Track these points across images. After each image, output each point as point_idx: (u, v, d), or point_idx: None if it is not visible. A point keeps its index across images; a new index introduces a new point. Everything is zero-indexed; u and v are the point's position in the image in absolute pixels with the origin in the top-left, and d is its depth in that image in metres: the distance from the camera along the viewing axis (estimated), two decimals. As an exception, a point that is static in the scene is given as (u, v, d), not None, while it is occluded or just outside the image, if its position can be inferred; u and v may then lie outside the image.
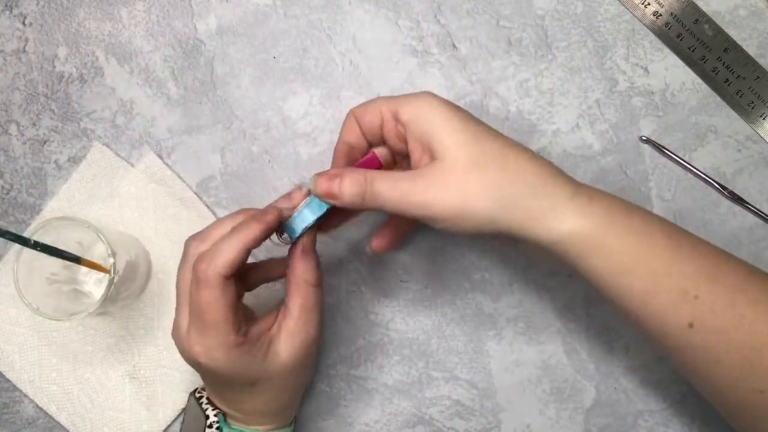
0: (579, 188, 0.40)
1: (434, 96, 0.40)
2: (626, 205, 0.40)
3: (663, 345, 0.41)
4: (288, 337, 0.43)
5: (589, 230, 0.38)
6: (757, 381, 0.38)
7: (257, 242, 0.41)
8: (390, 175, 0.40)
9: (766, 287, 0.39)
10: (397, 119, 0.42)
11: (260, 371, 0.43)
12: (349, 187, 0.40)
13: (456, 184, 0.38)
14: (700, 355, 0.40)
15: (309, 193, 0.43)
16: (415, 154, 0.41)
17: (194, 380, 0.52)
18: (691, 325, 0.38)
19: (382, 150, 0.44)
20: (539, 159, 0.40)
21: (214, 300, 0.40)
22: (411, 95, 0.41)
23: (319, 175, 0.41)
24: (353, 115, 0.44)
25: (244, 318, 0.42)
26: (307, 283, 0.43)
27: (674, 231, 0.40)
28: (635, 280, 0.39)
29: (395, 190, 0.39)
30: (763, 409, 0.39)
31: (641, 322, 0.40)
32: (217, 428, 0.45)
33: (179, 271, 0.43)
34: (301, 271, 0.43)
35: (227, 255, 0.40)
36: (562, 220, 0.38)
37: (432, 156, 0.39)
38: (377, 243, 0.47)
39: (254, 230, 0.41)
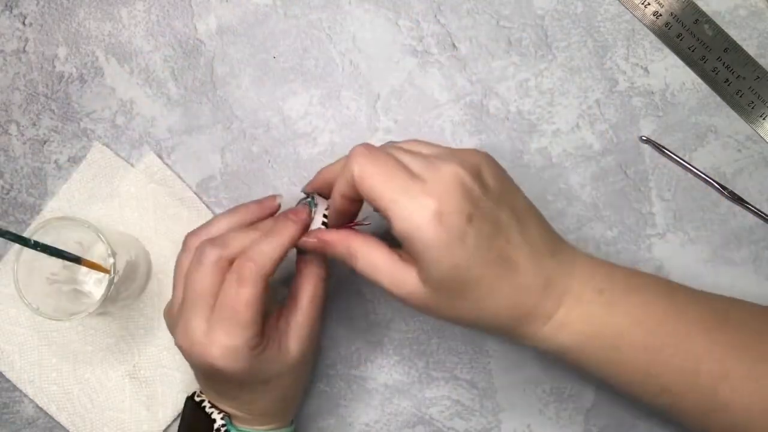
0: (557, 309, 0.39)
1: (428, 217, 0.36)
2: (604, 311, 0.39)
3: None
4: (297, 331, 0.43)
5: (565, 343, 0.40)
6: None
7: (294, 241, 0.42)
8: (372, 256, 0.40)
9: (752, 363, 0.40)
10: (379, 211, 0.39)
11: (275, 369, 0.43)
12: (335, 250, 0.41)
13: (436, 301, 0.38)
14: (687, 424, 0.42)
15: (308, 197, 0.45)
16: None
17: (195, 380, 0.52)
18: (672, 406, 0.41)
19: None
20: (520, 277, 0.38)
21: (254, 300, 0.40)
22: (407, 201, 0.36)
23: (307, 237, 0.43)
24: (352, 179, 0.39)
25: None
26: (319, 276, 0.44)
27: (659, 333, 0.39)
28: (611, 381, 0.41)
29: (374, 271, 0.40)
30: None
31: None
32: (225, 431, 0.45)
33: (178, 266, 0.43)
34: (315, 264, 0.44)
35: (272, 254, 0.40)
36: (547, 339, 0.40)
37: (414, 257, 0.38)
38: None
39: (292, 230, 0.42)
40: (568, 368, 0.41)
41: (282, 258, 0.41)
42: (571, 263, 0.40)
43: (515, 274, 0.38)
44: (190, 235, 0.45)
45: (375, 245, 0.40)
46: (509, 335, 0.40)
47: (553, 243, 0.40)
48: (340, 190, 0.40)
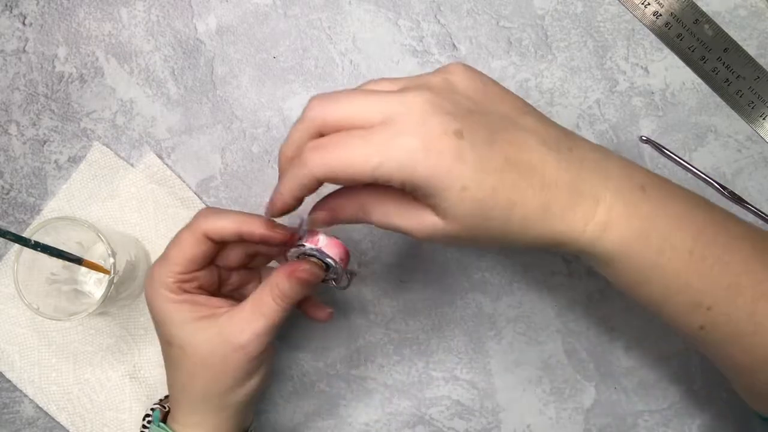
0: (596, 206, 0.35)
1: (415, 156, 0.32)
2: (649, 207, 0.36)
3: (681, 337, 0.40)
4: (221, 323, 0.41)
5: (608, 247, 0.35)
6: None
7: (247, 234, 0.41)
8: (385, 205, 0.36)
9: None
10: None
11: (178, 332, 0.41)
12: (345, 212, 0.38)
13: (459, 230, 0.35)
14: (712, 351, 0.39)
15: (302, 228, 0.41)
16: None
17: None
18: (702, 328, 0.37)
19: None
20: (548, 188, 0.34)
21: (186, 244, 0.41)
22: (388, 154, 0.32)
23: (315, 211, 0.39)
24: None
25: (210, 291, 0.43)
26: (281, 295, 0.41)
27: (701, 241, 0.36)
28: (648, 292, 0.37)
29: (391, 219, 0.36)
30: None
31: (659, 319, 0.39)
32: (148, 422, 0.45)
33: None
34: (291, 293, 0.41)
35: (216, 223, 0.41)
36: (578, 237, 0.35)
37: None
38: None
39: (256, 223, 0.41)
40: (609, 279, 0.38)
41: (230, 230, 0.41)
42: (599, 158, 0.36)
43: (532, 173, 0.33)
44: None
45: (384, 193, 0.36)
46: (548, 245, 0.35)
47: (568, 136, 0.36)
48: (294, 193, 0.36)
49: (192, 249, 0.41)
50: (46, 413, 0.53)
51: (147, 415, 0.47)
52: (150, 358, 0.53)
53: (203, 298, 0.42)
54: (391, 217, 0.36)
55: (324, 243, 0.40)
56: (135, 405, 0.53)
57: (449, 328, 0.53)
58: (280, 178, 0.36)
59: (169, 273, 0.41)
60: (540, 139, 0.34)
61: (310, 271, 0.40)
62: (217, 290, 0.44)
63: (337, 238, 0.41)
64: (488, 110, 0.34)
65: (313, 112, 0.34)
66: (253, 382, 0.42)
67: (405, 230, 0.36)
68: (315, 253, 0.40)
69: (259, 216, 0.42)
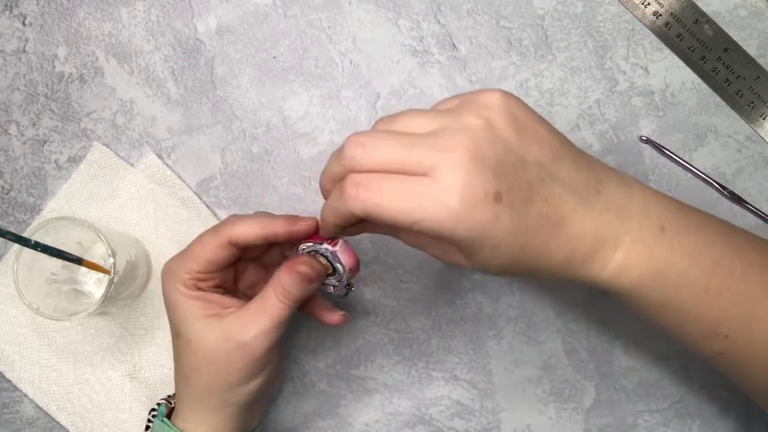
0: (611, 254, 0.36)
1: (455, 215, 0.33)
2: (666, 247, 0.37)
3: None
4: (227, 322, 0.41)
5: (625, 285, 0.37)
6: None
7: (269, 235, 0.42)
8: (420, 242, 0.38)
9: None
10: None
11: (186, 326, 0.42)
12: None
13: (488, 270, 0.37)
14: (734, 375, 0.41)
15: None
16: None
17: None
18: (722, 354, 0.39)
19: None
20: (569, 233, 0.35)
21: (210, 245, 0.42)
22: (427, 211, 0.33)
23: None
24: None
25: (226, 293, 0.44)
26: (283, 291, 0.41)
27: (716, 274, 0.37)
28: (665, 322, 0.39)
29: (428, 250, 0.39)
30: None
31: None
32: (153, 416, 0.46)
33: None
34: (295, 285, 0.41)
35: (241, 230, 0.42)
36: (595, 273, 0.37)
37: None
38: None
39: (280, 224, 0.42)
40: (624, 307, 0.39)
41: (252, 235, 0.42)
42: (626, 197, 0.37)
43: (561, 228, 0.35)
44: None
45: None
46: (569, 282, 0.37)
47: (597, 178, 0.36)
48: (336, 222, 0.36)
49: (214, 253, 0.42)
50: (46, 413, 0.53)
51: (153, 409, 0.48)
52: (150, 358, 0.53)
53: (216, 297, 0.43)
54: (422, 243, 0.38)
55: (341, 248, 0.41)
56: (135, 405, 0.53)
57: (449, 328, 0.53)
58: (324, 204, 0.37)
59: (186, 269, 0.42)
60: (571, 189, 0.35)
61: (310, 264, 0.41)
62: (233, 286, 0.45)
63: (351, 247, 0.42)
64: (525, 159, 0.34)
65: (352, 153, 0.34)
66: (256, 383, 0.43)
67: (434, 256, 0.37)
68: (328, 254, 0.41)
69: (280, 216, 0.43)
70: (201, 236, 0.43)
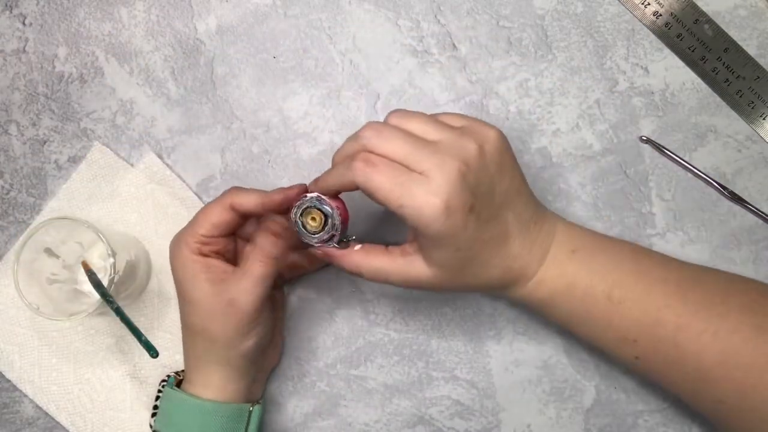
0: (534, 276, 0.45)
1: (436, 214, 0.40)
2: (575, 266, 0.45)
3: None
4: (222, 285, 0.45)
5: (540, 297, 0.46)
6: (712, 393, 0.43)
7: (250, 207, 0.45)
8: (375, 263, 0.44)
9: (710, 318, 0.43)
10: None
11: (189, 288, 0.45)
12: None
13: (441, 278, 0.44)
14: (655, 379, 0.47)
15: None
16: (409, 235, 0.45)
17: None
18: (637, 358, 0.45)
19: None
20: (503, 261, 0.44)
21: (212, 213, 0.45)
22: (415, 202, 0.40)
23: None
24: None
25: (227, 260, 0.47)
26: (260, 251, 0.45)
27: (619, 288, 0.44)
28: (581, 330, 0.46)
29: (381, 275, 0.45)
30: (725, 420, 0.44)
31: None
32: (163, 385, 0.49)
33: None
34: (269, 244, 0.46)
35: (241, 196, 0.45)
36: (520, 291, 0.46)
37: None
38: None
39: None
40: (545, 319, 0.48)
41: (228, 215, 0.46)
42: (551, 230, 0.46)
43: (506, 246, 0.44)
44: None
45: (374, 253, 0.44)
46: (500, 294, 0.47)
47: (538, 214, 0.45)
48: (334, 185, 0.43)
49: (217, 216, 0.45)
50: (46, 413, 0.53)
51: (163, 380, 0.52)
52: (150, 357, 0.53)
53: (217, 262, 0.46)
54: (383, 274, 0.44)
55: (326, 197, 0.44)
56: (135, 405, 0.53)
57: (449, 328, 0.53)
58: (331, 168, 0.43)
59: (192, 233, 0.45)
60: (519, 219, 0.44)
61: (278, 222, 0.46)
62: (233, 259, 0.48)
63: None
64: (496, 188, 0.42)
65: (368, 138, 0.41)
66: (251, 341, 0.46)
67: (394, 281, 0.44)
68: (315, 203, 0.44)
69: (276, 189, 0.46)
70: (204, 206, 0.46)
